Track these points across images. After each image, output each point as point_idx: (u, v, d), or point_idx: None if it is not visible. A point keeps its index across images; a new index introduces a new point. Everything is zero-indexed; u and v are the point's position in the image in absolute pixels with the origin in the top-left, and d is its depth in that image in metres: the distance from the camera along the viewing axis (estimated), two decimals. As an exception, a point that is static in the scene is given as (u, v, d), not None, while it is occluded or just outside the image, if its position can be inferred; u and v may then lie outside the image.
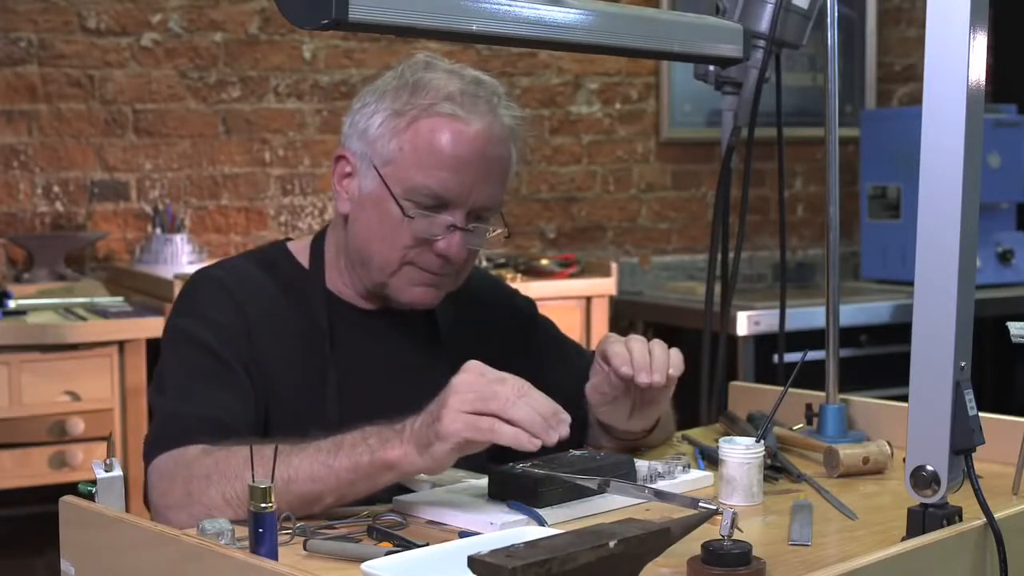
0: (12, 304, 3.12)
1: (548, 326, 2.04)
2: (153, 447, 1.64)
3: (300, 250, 1.87)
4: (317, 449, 1.52)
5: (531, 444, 1.44)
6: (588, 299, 3.71)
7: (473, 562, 1.08)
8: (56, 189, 3.63)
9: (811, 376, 1.88)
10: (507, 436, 1.44)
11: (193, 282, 1.83)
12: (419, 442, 1.47)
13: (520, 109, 1.82)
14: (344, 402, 1.76)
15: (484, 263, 3.82)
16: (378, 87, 1.78)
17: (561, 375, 1.85)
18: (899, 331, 3.78)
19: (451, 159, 1.71)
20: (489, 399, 1.44)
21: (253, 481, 1.34)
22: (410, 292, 1.78)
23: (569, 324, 3.65)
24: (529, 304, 2.05)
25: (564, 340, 2.05)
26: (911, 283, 1.33)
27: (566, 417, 1.48)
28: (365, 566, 1.25)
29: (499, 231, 1.80)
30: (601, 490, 1.50)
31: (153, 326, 2.97)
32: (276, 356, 1.75)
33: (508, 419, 1.43)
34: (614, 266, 3.78)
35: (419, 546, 1.38)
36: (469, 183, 1.72)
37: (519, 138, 1.80)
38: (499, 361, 1.76)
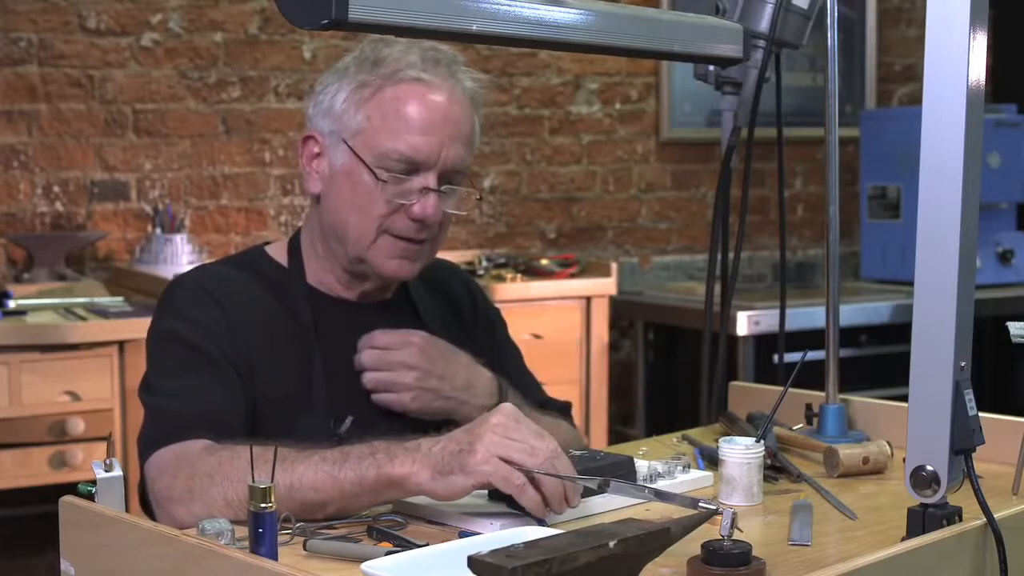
0: (12, 304, 3.12)
1: (507, 338, 2.07)
2: (150, 444, 1.65)
3: (278, 251, 1.90)
4: (322, 459, 1.52)
5: (544, 516, 1.46)
6: (588, 299, 3.71)
7: (473, 562, 1.08)
8: (56, 189, 3.63)
9: (811, 376, 1.88)
10: (528, 503, 1.45)
11: (171, 287, 1.85)
12: (437, 467, 1.46)
13: (480, 75, 1.85)
14: (331, 392, 1.78)
15: (484, 263, 3.82)
16: (339, 68, 1.81)
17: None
18: (899, 331, 3.78)
19: (418, 121, 1.74)
20: (527, 454, 1.45)
21: (254, 482, 1.34)
22: (388, 264, 1.80)
23: (569, 324, 3.67)
24: (501, 318, 2.08)
25: (510, 348, 2.08)
26: (911, 283, 1.34)
27: (580, 488, 1.50)
28: (365, 566, 1.25)
29: (471, 192, 1.83)
30: (601, 490, 1.51)
31: (153, 326, 2.97)
32: (260, 351, 1.76)
33: (536, 480, 1.45)
34: (614, 266, 3.78)
35: (419, 546, 1.39)
36: (437, 143, 1.75)
37: (480, 103, 1.83)
38: (472, 352, 1.86)
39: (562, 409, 2.03)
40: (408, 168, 1.75)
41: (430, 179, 1.76)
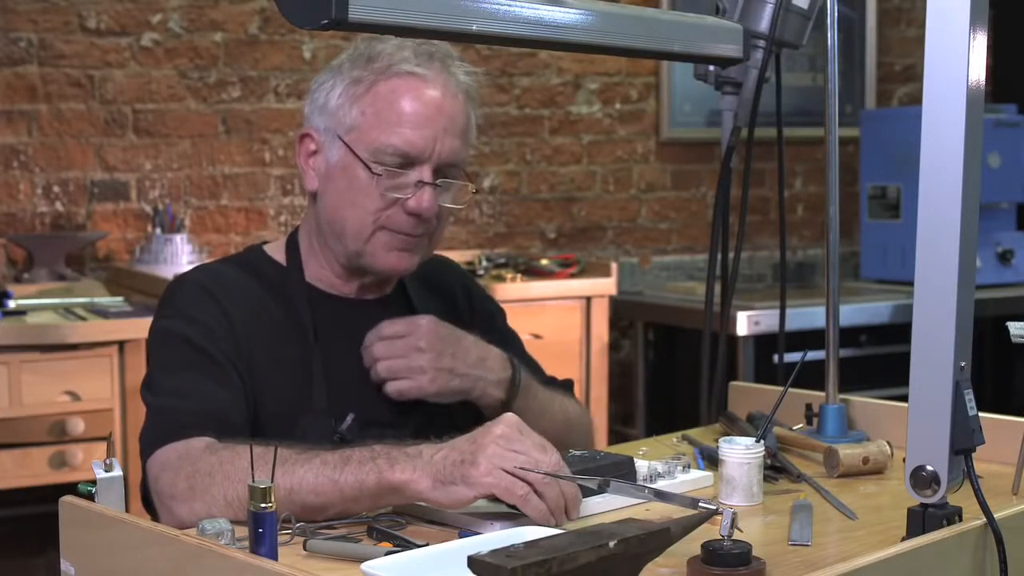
0: (12, 304, 3.12)
1: (506, 326, 2.07)
2: (152, 442, 1.65)
3: (276, 250, 1.90)
4: (323, 462, 1.51)
5: (548, 525, 1.45)
6: (588, 299, 3.71)
7: (473, 562, 1.08)
8: (56, 189, 3.63)
9: (811, 376, 1.89)
10: (532, 513, 1.45)
11: (172, 286, 1.86)
12: (439, 476, 1.46)
13: (473, 68, 1.86)
14: (331, 390, 1.78)
15: (484, 263, 3.82)
16: (334, 65, 1.83)
17: None
18: (899, 331, 3.78)
19: (412, 115, 1.75)
20: (530, 467, 1.45)
21: (254, 482, 1.34)
22: (385, 258, 1.80)
23: (569, 324, 3.66)
24: (498, 308, 2.08)
25: (511, 335, 2.07)
26: (911, 283, 1.34)
27: (580, 500, 1.50)
28: (365, 566, 1.25)
29: (465, 185, 1.83)
30: (601, 490, 1.50)
31: (153, 326, 2.97)
32: (260, 350, 1.77)
33: (539, 492, 1.45)
34: (614, 266, 3.78)
35: (419, 546, 1.39)
36: (432, 137, 1.76)
37: (475, 95, 1.84)
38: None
39: (566, 386, 2.05)
40: (403, 162, 1.76)
41: (425, 173, 1.77)
